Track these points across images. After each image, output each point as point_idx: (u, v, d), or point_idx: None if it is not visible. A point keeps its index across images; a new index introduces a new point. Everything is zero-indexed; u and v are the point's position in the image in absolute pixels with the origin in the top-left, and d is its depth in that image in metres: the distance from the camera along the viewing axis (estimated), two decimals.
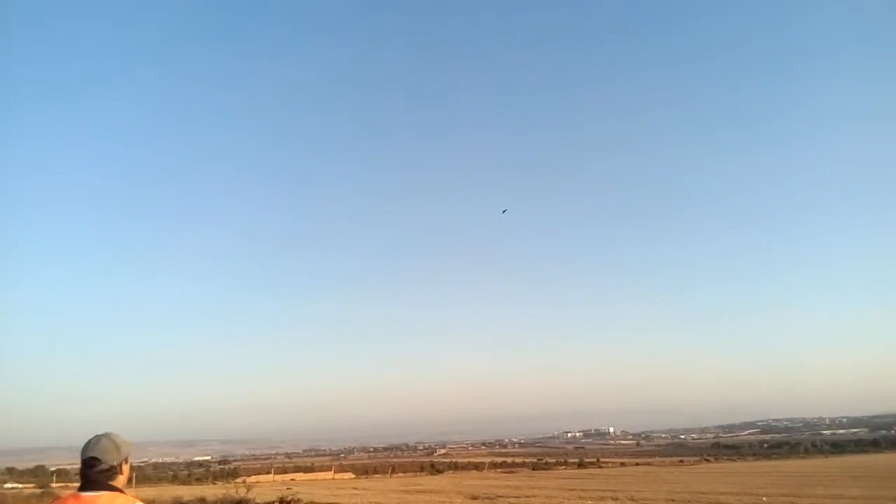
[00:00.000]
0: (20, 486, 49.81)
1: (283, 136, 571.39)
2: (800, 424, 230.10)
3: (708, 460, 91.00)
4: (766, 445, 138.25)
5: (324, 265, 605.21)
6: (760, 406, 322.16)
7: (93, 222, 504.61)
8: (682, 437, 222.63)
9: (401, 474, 71.50)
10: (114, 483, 3.11)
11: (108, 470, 3.11)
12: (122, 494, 3.09)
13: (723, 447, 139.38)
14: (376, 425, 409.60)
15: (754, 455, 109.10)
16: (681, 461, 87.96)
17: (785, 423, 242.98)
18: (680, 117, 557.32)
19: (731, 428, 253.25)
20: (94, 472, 3.08)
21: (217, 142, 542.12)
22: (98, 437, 3.19)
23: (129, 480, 3.25)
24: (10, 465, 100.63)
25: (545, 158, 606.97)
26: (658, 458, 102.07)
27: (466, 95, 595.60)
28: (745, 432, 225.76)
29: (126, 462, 3.24)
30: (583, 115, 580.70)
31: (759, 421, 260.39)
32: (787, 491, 27.57)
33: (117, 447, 3.18)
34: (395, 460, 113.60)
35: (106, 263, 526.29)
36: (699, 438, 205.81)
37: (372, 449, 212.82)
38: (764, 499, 24.05)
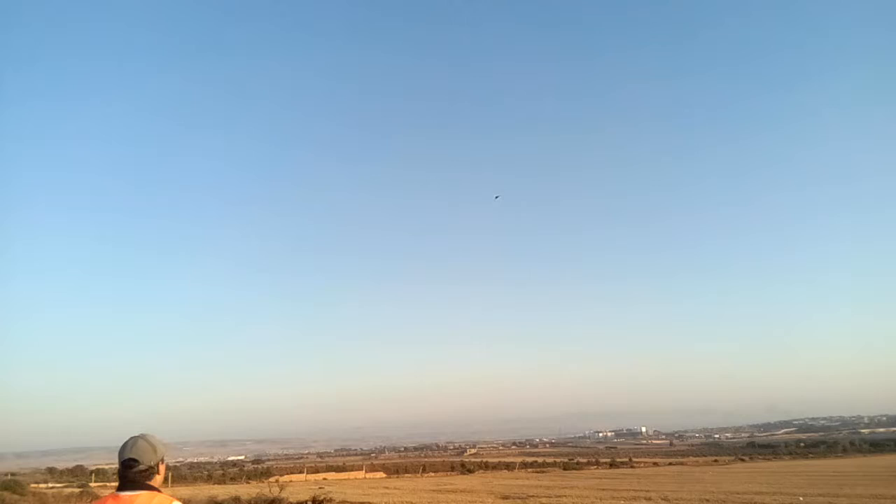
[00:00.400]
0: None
1: (290, 136, 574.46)
2: (837, 423, 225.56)
3: (743, 460, 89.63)
4: (802, 444, 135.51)
5: (348, 266, 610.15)
6: (796, 404, 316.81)
7: (115, 224, 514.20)
8: (717, 436, 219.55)
9: (431, 474, 71.53)
10: (151, 483, 3.21)
11: (145, 470, 3.20)
12: (160, 493, 3.18)
13: (758, 446, 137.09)
14: (406, 425, 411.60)
15: (791, 454, 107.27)
16: (715, 461, 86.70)
17: (822, 421, 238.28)
18: (692, 125, 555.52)
19: (766, 427, 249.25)
20: (132, 473, 3.17)
21: (223, 143, 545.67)
22: (135, 439, 3.28)
23: (166, 480, 3.34)
24: (50, 464, 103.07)
25: (556, 159, 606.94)
26: (692, 458, 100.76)
27: (483, 97, 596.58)
28: (781, 431, 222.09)
29: (162, 462, 3.33)
30: (587, 117, 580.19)
31: (795, 419, 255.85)
32: (825, 490, 27.04)
33: (154, 448, 3.27)
34: (426, 460, 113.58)
35: (135, 266, 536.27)
36: (734, 438, 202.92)
37: (402, 448, 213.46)
38: (801, 499, 23.63)
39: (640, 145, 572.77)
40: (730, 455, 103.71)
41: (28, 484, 40.65)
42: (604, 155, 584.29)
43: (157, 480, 3.26)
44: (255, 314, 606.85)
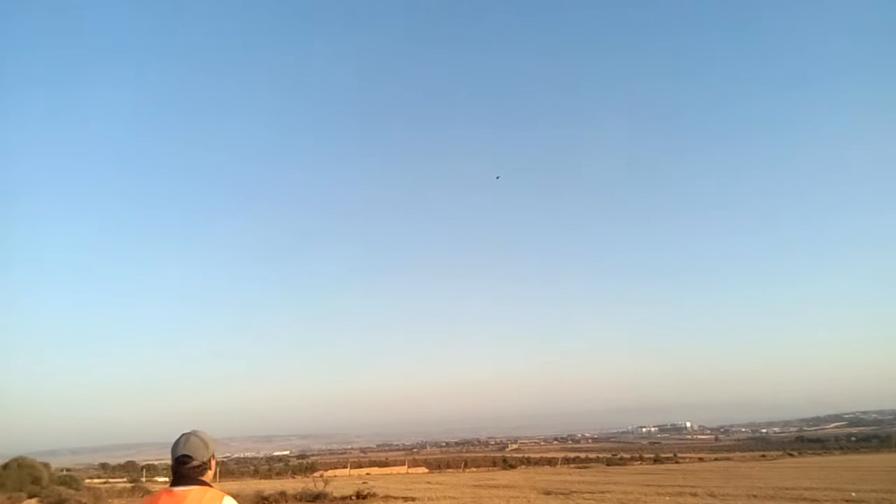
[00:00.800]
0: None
1: (292, 127, 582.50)
2: (890, 416, 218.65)
3: (791, 455, 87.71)
4: (853, 439, 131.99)
5: (389, 261, 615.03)
6: (847, 397, 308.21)
7: (146, 216, 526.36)
8: (764, 430, 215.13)
9: (473, 469, 71.56)
10: (203, 478, 3.28)
11: (198, 466, 3.27)
12: (211, 488, 3.25)
13: (807, 441, 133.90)
14: (448, 420, 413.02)
15: (841, 449, 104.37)
16: (762, 456, 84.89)
17: (874, 415, 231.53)
18: (691, 124, 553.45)
19: (815, 421, 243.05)
20: (185, 469, 3.25)
21: (223, 132, 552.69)
22: (187, 436, 3.35)
23: (214, 475, 3.41)
24: (103, 460, 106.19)
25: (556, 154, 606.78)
26: (738, 453, 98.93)
27: (483, 91, 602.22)
28: (831, 425, 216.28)
29: (213, 458, 3.40)
30: (586, 113, 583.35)
31: (845, 413, 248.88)
32: (879, 486, 26.25)
33: (206, 444, 3.34)
34: (468, 455, 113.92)
35: (171, 258, 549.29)
36: (782, 432, 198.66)
37: (444, 444, 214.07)
38: (853, 494, 22.99)
39: (640, 143, 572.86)
40: (778, 450, 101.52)
41: (83, 479, 41.90)
42: (604, 151, 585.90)
43: (209, 476, 3.33)
44: (299, 312, 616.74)
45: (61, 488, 28.48)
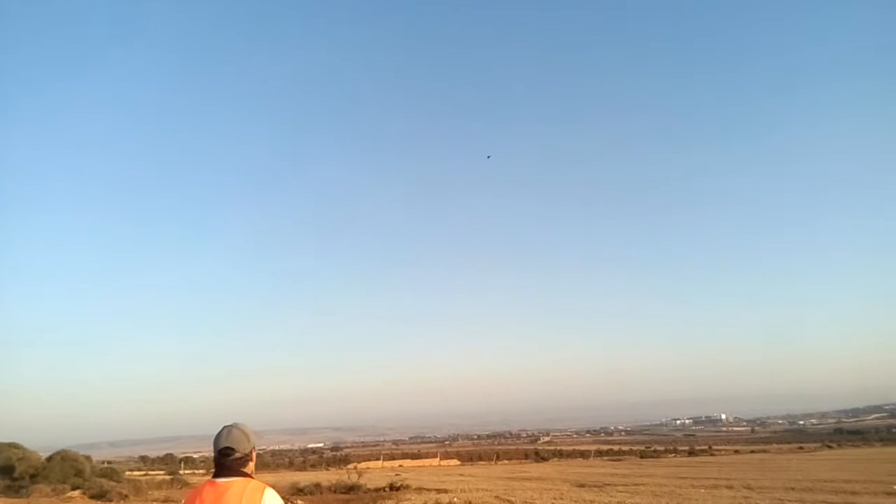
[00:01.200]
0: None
1: (306, 122, 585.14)
2: None
3: (830, 447, 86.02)
4: (894, 430, 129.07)
5: (418, 255, 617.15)
6: (887, 388, 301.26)
7: (173, 209, 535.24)
8: (801, 422, 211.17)
9: (505, 461, 71.64)
10: (245, 470, 3.34)
11: (240, 458, 3.34)
12: (253, 480, 3.31)
13: (846, 433, 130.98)
14: (479, 413, 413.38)
15: (882, 440, 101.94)
16: (800, 448, 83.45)
17: None
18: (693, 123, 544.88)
19: (854, 412, 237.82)
20: (228, 461, 3.31)
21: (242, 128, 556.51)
22: (229, 428, 3.42)
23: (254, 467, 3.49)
24: (142, 453, 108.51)
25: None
26: (775, 445, 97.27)
27: (505, 85, 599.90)
28: (871, 416, 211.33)
29: (254, 450, 3.48)
30: (588, 109, 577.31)
31: (886, 404, 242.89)
32: None
33: (247, 436, 3.41)
34: (500, 447, 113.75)
35: (197, 252, 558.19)
36: (819, 424, 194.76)
37: (476, 436, 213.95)
38: (895, 487, 22.56)
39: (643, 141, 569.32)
40: (815, 442, 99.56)
41: (123, 472, 42.84)
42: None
43: (250, 467, 3.40)
44: (334, 307, 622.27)
45: (103, 480, 29.10)
